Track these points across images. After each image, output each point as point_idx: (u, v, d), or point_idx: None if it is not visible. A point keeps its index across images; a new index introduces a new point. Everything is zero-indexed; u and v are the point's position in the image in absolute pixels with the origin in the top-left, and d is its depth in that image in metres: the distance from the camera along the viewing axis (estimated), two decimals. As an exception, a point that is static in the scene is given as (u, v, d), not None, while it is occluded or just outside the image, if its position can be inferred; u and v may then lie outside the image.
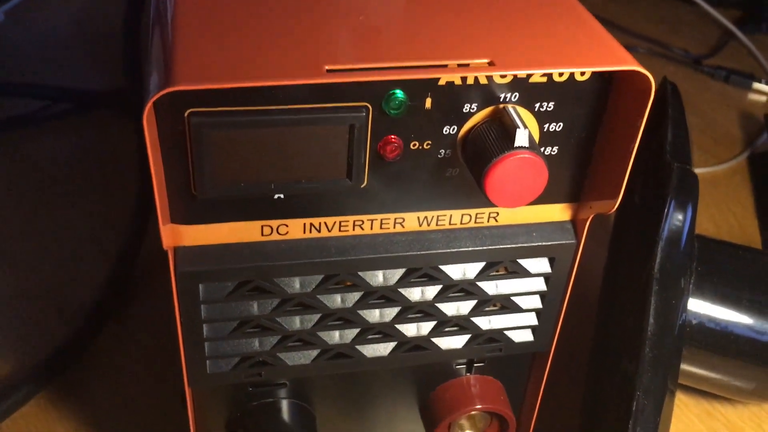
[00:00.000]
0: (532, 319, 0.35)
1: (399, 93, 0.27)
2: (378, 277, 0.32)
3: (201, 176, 0.28)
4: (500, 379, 0.38)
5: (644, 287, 0.37)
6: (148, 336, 0.49)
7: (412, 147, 0.29)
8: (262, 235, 0.30)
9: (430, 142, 0.29)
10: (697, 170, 0.67)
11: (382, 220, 0.31)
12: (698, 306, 0.41)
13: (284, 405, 0.35)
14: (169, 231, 0.29)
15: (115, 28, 0.67)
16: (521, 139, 0.27)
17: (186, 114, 0.26)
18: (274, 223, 0.30)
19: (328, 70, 0.25)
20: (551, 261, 0.33)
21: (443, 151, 0.29)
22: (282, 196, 0.29)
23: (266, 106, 0.27)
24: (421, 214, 0.31)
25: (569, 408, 0.44)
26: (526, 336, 0.35)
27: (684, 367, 0.42)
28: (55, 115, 0.66)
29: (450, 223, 0.32)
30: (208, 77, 0.25)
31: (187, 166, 0.28)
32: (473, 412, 0.37)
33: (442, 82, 0.27)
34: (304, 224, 0.30)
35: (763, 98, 0.77)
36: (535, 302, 0.35)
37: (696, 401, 0.48)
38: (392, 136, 0.29)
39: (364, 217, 0.31)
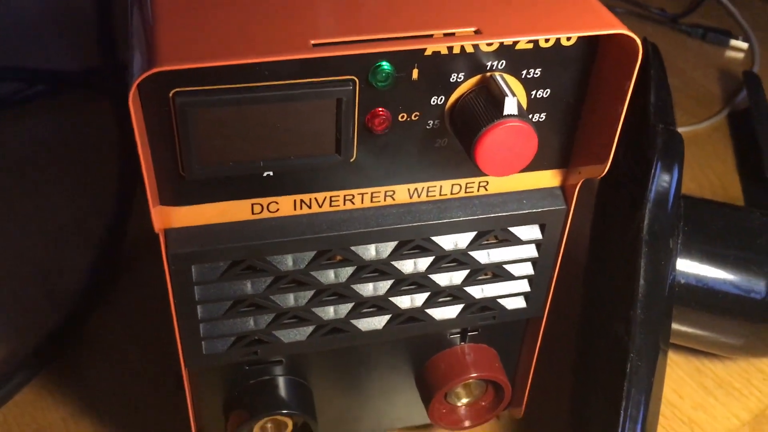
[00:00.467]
0: (524, 286, 0.35)
1: (385, 65, 0.27)
2: (370, 251, 0.32)
3: (188, 157, 0.27)
4: (494, 347, 0.38)
5: (633, 250, 0.38)
6: (138, 318, 0.49)
7: (400, 119, 0.29)
8: (253, 213, 0.30)
9: (418, 113, 0.29)
10: (678, 129, 0.67)
11: (372, 193, 0.31)
12: (686, 266, 0.42)
13: (281, 382, 0.35)
14: (158, 213, 0.29)
15: (87, 7, 0.66)
16: (510, 107, 0.27)
17: (171, 94, 0.26)
18: (264, 201, 0.30)
19: (313, 45, 0.25)
20: (542, 227, 0.33)
21: (431, 121, 0.29)
22: (271, 173, 0.29)
23: (252, 83, 0.26)
24: (411, 186, 0.31)
25: (563, 371, 0.45)
26: (519, 303, 0.36)
27: (674, 326, 0.43)
28: (30, 98, 0.65)
29: (440, 194, 0.32)
30: (192, 56, 0.24)
31: (174, 147, 0.27)
32: (469, 381, 0.37)
33: (428, 53, 0.27)
34: (295, 201, 0.30)
35: (740, 55, 0.77)
36: (527, 269, 0.35)
37: (686, 359, 0.49)
38: (380, 109, 0.28)
39: (355, 192, 0.31)
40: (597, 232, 0.44)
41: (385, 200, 0.31)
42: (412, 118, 0.29)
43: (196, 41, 0.25)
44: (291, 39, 0.25)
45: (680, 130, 0.66)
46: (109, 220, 0.53)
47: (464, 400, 0.39)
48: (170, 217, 0.29)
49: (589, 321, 0.41)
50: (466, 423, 0.38)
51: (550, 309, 0.37)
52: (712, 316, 0.43)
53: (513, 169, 0.28)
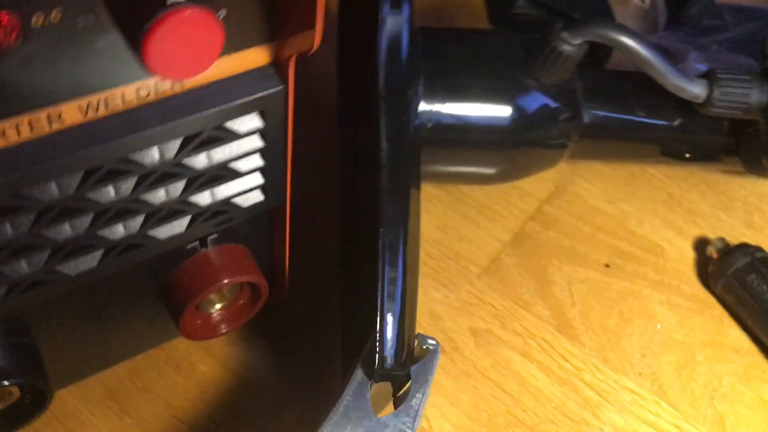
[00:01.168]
0: (257, 179, 0.31)
1: (-15, -44, 0.19)
2: (50, 190, 0.25)
3: None
4: (243, 243, 0.34)
5: (374, 109, 0.34)
6: None
7: (36, 24, 0.21)
8: None
9: (60, 9, 0.22)
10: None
11: (30, 120, 0.24)
12: (432, 106, 0.39)
13: (-10, 351, 0.29)
14: None
15: None
16: (175, -8, 0.21)
17: None
18: None
19: None
20: (262, 114, 0.28)
21: (83, 18, 0.22)
22: None
23: None
24: (83, 101, 0.24)
25: (328, 257, 0.42)
26: (257, 197, 0.31)
27: (429, 167, 0.41)
28: None
29: (124, 103, 0.25)
30: None
31: None
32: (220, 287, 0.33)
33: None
34: None
35: None
36: (256, 161, 0.30)
37: (446, 192, 0.48)
38: (1, 14, 0.21)
39: (4, 124, 0.23)
40: (342, 93, 0.39)
41: (51, 126, 0.24)
42: (54, 19, 0.22)
43: None
44: None
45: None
46: None
47: (219, 306, 0.35)
48: None
49: (345, 195, 0.38)
50: (223, 328, 0.35)
51: (303, 191, 0.32)
52: (464, 151, 0.41)
53: (200, 68, 0.23)
